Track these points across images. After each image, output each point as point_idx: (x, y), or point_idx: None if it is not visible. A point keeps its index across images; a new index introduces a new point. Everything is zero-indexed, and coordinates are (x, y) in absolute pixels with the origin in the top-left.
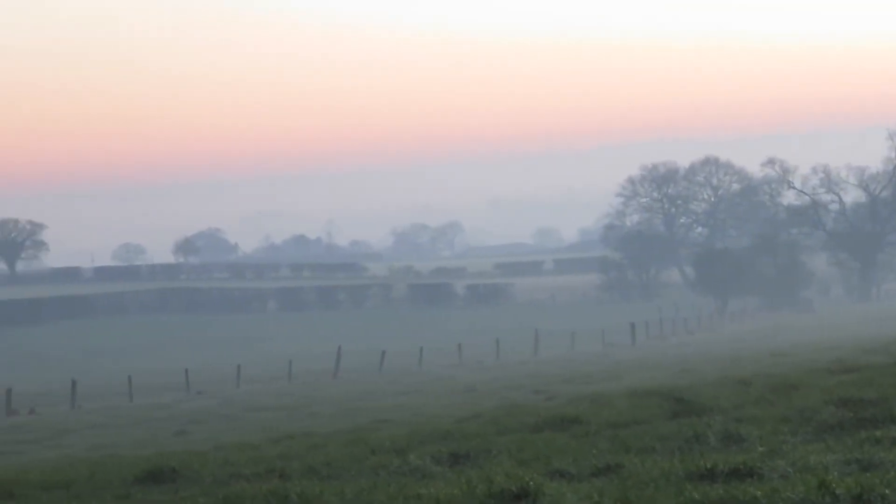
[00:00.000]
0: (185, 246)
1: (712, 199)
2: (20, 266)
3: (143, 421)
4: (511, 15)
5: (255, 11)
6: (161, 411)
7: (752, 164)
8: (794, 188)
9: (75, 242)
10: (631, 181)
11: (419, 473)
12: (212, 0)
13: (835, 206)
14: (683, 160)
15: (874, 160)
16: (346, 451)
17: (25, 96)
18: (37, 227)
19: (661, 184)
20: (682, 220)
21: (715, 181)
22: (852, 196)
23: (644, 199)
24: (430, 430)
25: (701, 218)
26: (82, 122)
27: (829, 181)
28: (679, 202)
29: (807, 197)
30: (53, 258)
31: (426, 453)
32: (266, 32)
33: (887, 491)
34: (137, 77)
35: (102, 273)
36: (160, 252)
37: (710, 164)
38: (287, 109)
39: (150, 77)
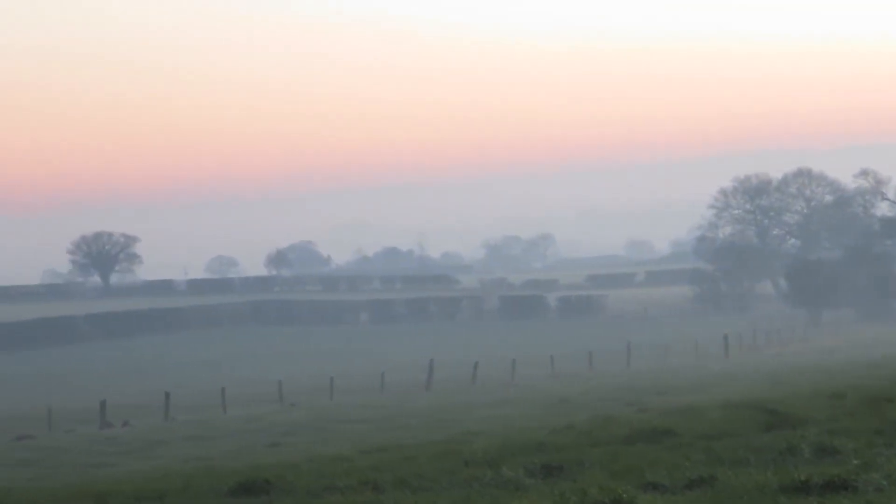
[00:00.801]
0: (278, 258)
1: (805, 210)
2: (114, 279)
3: (236, 433)
4: (604, 25)
5: (346, 24)
6: (254, 423)
7: (845, 176)
8: (887, 199)
9: (169, 255)
10: (723, 193)
11: (512, 485)
12: (307, 15)
13: None
14: (776, 171)
15: None
16: (438, 463)
17: (122, 111)
18: (130, 239)
19: (754, 195)
20: (774, 232)
21: (808, 192)
22: None
23: (736, 211)
24: (523, 442)
25: (794, 230)
26: (175, 136)
27: None
28: (772, 214)
29: None
30: (147, 271)
31: (519, 465)
32: (358, 45)
33: None
34: (231, 93)
35: (195, 286)
36: (253, 265)
37: (803, 175)
38: (379, 123)
39: (243, 93)
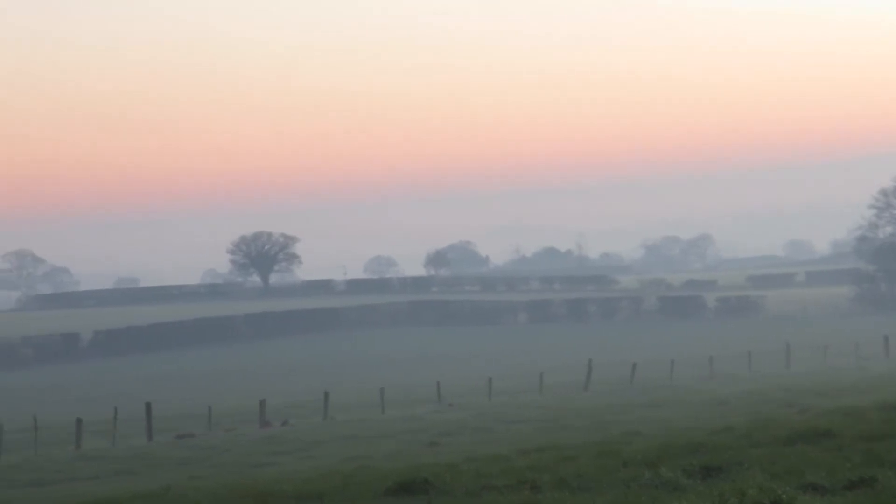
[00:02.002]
0: (437, 258)
1: None
2: (273, 279)
3: (395, 433)
4: (750, 25)
5: (504, 31)
6: (413, 423)
7: None
8: None
9: (328, 255)
10: (884, 193)
11: (670, 486)
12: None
13: None
14: None
15: None
16: (596, 463)
17: (281, 113)
18: (290, 239)
19: None
20: None
21: None
22: None
23: None
24: (682, 443)
25: None
26: (335, 137)
27: None
28: None
29: None
30: (306, 271)
31: (677, 466)
32: (517, 52)
33: None
34: (393, 97)
35: (354, 286)
36: (412, 265)
37: None
38: (541, 126)
39: (405, 97)
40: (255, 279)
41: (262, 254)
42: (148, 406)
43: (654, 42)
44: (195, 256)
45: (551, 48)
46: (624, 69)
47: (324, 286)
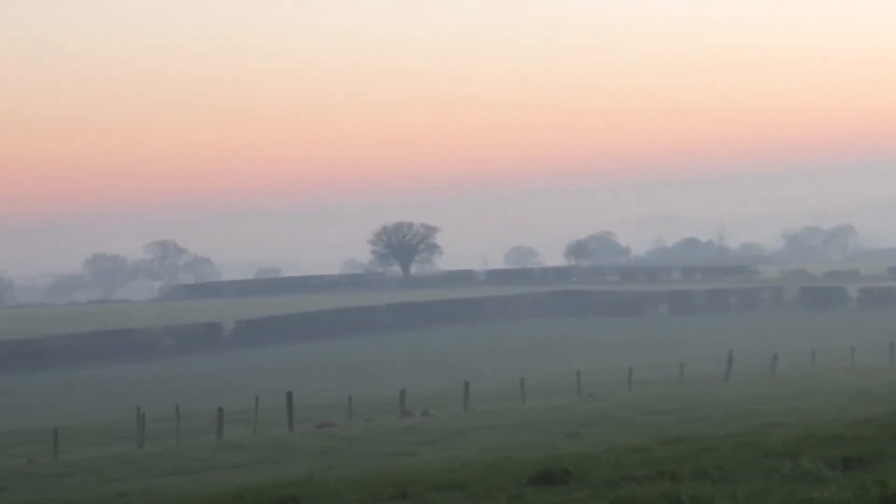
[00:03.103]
0: (577, 249)
1: None
2: (414, 269)
3: (535, 423)
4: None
5: (655, 17)
6: (553, 413)
7: None
8: None
9: (468, 246)
10: None
11: (811, 477)
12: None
13: None
14: None
15: None
16: (736, 454)
17: (431, 104)
18: (430, 230)
19: None
20: None
21: None
22: None
23: None
24: (823, 434)
25: None
26: (475, 129)
27: None
28: None
29: None
30: (446, 261)
31: (818, 457)
32: (651, 38)
33: None
34: (527, 91)
35: (495, 276)
36: (552, 255)
37: None
38: (681, 116)
39: (544, 89)
40: (396, 269)
41: (403, 244)
42: (289, 395)
43: (790, 23)
44: (336, 247)
45: (676, 33)
46: (759, 55)
47: (464, 276)
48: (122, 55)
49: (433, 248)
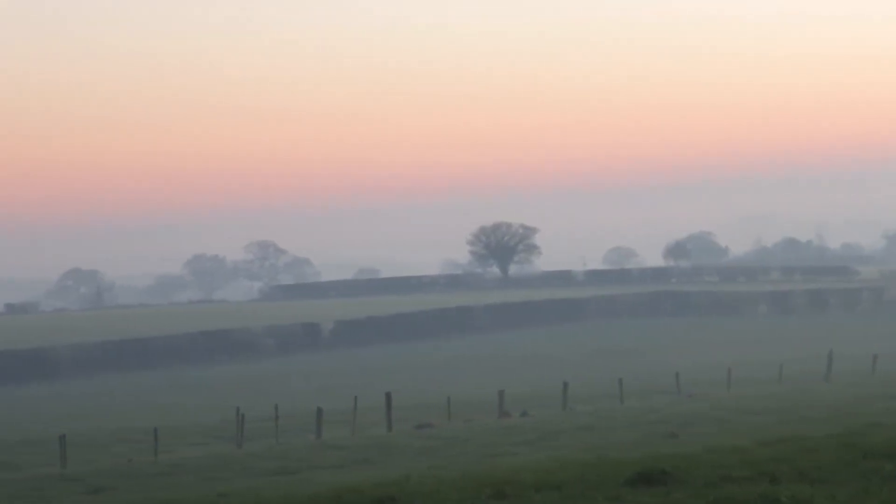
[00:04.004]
0: (676, 249)
1: None
2: (513, 269)
3: (633, 423)
4: None
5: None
6: (652, 414)
7: None
8: None
9: (567, 246)
10: None
11: None
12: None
13: None
14: None
15: None
16: (836, 455)
17: (521, 102)
18: (529, 230)
19: None
20: None
21: None
22: None
23: None
24: None
25: None
26: (571, 127)
27: None
28: None
29: None
30: (545, 262)
31: None
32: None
33: None
34: (630, 90)
35: (594, 276)
36: (651, 255)
37: None
38: (784, 111)
39: (646, 89)
40: (495, 270)
41: (502, 244)
42: (388, 396)
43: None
44: (435, 247)
45: (778, 30)
46: (866, 51)
47: (563, 277)
48: (223, 56)
49: (532, 249)
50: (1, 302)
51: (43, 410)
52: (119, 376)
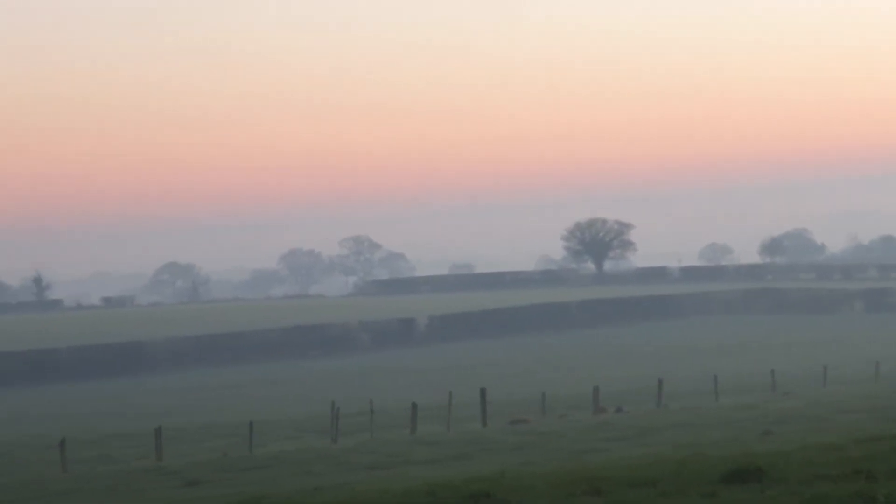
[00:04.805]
0: (772, 246)
1: None
2: (607, 265)
3: (728, 421)
4: None
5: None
6: (747, 411)
7: None
8: None
9: (662, 243)
10: None
11: None
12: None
13: None
14: None
15: None
16: None
17: (623, 97)
18: (624, 227)
19: None
20: None
21: None
22: None
23: None
24: None
25: None
26: (674, 124)
27: None
28: None
29: None
30: (640, 258)
31: None
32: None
33: None
34: (725, 82)
35: (689, 273)
36: (747, 252)
37: None
38: (881, 107)
39: (741, 81)
40: (590, 266)
41: (597, 240)
42: (482, 391)
43: None
44: (529, 243)
45: (877, 27)
46: None
47: (658, 273)
48: (324, 52)
49: (627, 245)
50: (98, 295)
51: (137, 403)
52: (213, 370)
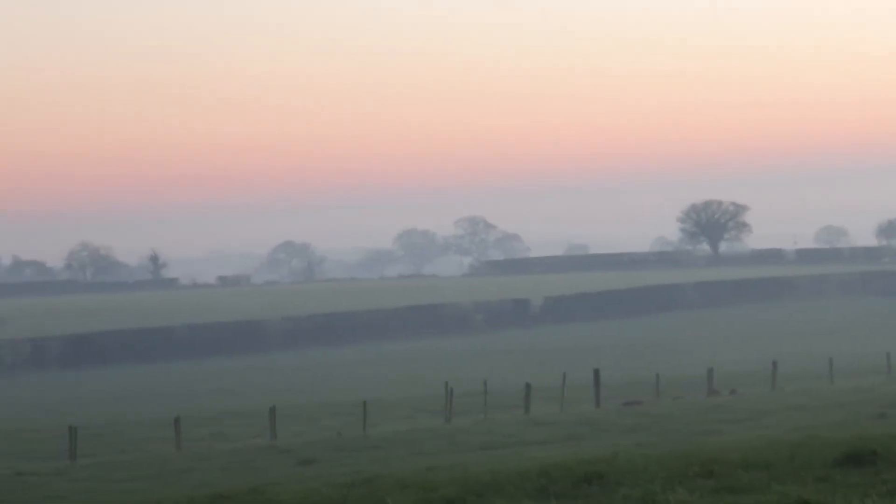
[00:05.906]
0: (889, 229)
1: None
2: (723, 247)
3: (842, 403)
4: None
5: None
6: (861, 394)
7: None
8: None
9: (778, 224)
10: None
11: None
12: None
13: None
14: None
15: None
16: None
17: (729, 80)
18: (740, 208)
19: None
20: None
21: None
22: None
23: None
24: None
25: None
26: (789, 104)
27: None
28: None
29: None
30: (755, 240)
31: None
32: None
33: None
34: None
35: (804, 255)
36: (863, 235)
37: None
38: None
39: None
40: (705, 247)
41: (712, 222)
42: (596, 372)
43: None
44: (645, 224)
45: None
46: None
47: (773, 255)
48: (444, 35)
49: (742, 227)
50: (214, 274)
51: (252, 382)
52: (327, 350)
